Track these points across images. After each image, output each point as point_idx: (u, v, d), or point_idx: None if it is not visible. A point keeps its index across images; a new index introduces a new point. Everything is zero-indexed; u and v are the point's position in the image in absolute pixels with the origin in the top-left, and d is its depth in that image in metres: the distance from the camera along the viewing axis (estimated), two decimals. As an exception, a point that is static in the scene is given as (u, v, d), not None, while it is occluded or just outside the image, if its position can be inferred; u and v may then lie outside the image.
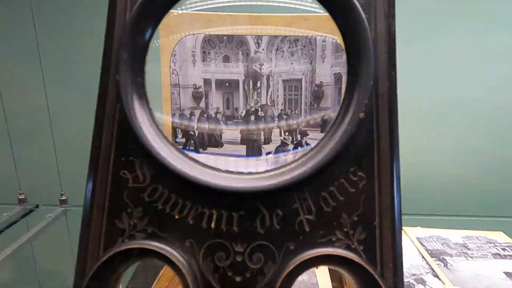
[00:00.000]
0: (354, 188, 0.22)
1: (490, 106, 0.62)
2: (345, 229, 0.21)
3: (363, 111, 0.22)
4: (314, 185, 0.22)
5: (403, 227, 0.58)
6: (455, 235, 0.56)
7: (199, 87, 0.53)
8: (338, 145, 0.22)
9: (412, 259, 0.49)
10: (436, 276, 0.45)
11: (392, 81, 0.23)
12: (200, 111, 0.55)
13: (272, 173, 0.22)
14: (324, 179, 0.22)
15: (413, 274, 0.46)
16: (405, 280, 0.46)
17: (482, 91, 0.62)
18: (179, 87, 0.53)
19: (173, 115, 0.54)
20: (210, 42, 0.52)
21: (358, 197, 0.22)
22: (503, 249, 0.53)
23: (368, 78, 0.22)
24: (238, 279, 0.21)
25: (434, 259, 0.49)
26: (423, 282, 0.44)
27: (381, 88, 0.23)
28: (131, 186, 0.22)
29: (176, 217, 0.22)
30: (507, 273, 0.46)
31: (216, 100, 0.55)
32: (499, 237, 0.56)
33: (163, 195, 0.22)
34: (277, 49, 0.53)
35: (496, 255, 0.51)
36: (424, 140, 0.65)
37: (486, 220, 0.64)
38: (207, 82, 0.53)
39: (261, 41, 0.53)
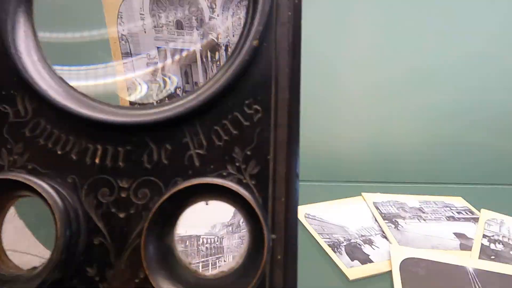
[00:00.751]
0: (249, 122, 0.21)
1: (450, 73, 0.61)
2: (237, 164, 0.20)
3: (257, 39, 0.20)
4: (206, 118, 0.20)
5: (362, 193, 0.58)
6: (413, 200, 0.56)
7: (154, 57, 0.50)
8: (230, 75, 0.20)
9: (364, 222, 0.49)
10: (385, 237, 0.45)
11: (296, 10, 0.22)
12: (157, 85, 0.52)
13: (162, 108, 0.21)
14: (216, 112, 0.21)
15: (362, 236, 0.45)
16: (352, 240, 0.46)
17: (445, 59, 0.61)
18: (131, 57, 0.49)
19: (128, 89, 0.51)
20: (159, 3, 0.49)
21: (252, 131, 0.20)
22: (458, 212, 0.52)
23: (265, 5, 0.21)
24: (122, 215, 0.20)
25: (386, 221, 0.48)
26: (370, 242, 0.44)
27: (283, 17, 0.21)
28: (12, 121, 0.21)
29: (59, 152, 0.20)
30: (456, 234, 0.46)
31: (173, 74, 0.52)
32: (457, 201, 0.56)
33: (45, 130, 0.20)
34: (233, 15, 0.51)
35: (450, 218, 0.51)
36: (386, 109, 0.64)
37: (450, 187, 0.63)
38: (161, 52, 0.49)
39: (215, 5, 0.50)
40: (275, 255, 0.19)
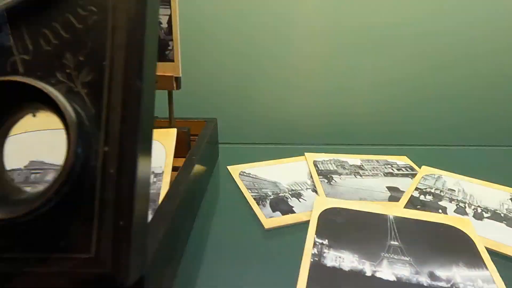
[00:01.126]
0: (83, 24, 0.18)
1: (395, 37, 0.59)
2: (68, 70, 0.18)
3: None
4: (32, 20, 0.18)
5: (305, 153, 0.56)
6: (355, 159, 0.55)
7: None
8: (58, -30, 0.18)
9: (297, 178, 0.47)
10: (315, 191, 0.44)
11: None
12: None
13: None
14: (46, 14, 0.18)
15: (292, 190, 0.44)
16: (281, 194, 0.44)
17: (391, 24, 0.59)
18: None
19: None
20: None
21: (87, 34, 0.18)
22: (398, 169, 0.52)
23: None
24: None
25: (321, 177, 0.47)
26: (298, 195, 0.43)
27: None
28: None
29: None
30: (389, 188, 0.45)
31: None
32: (401, 160, 0.55)
33: None
34: None
35: (388, 174, 0.50)
36: (337, 74, 0.62)
37: (398, 149, 0.62)
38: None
39: None
40: (107, 169, 0.17)
